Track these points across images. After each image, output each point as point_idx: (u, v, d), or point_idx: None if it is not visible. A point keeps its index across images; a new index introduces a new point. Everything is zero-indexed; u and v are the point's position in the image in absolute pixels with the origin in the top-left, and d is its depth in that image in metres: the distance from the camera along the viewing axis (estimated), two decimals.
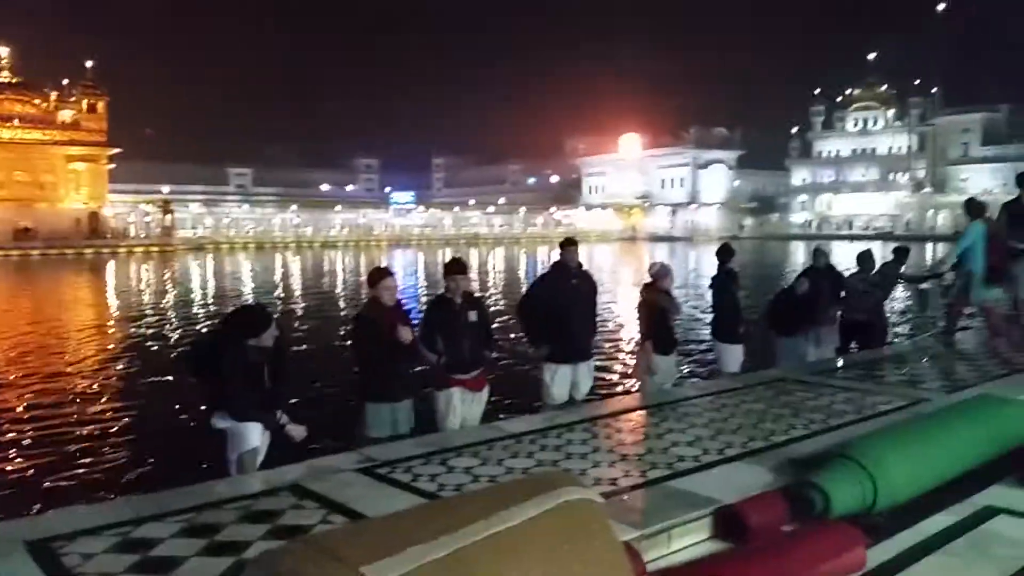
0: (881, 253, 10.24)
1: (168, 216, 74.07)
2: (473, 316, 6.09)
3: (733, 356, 8.36)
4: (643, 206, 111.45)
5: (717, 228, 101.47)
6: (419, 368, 6.06)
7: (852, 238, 79.81)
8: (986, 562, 3.44)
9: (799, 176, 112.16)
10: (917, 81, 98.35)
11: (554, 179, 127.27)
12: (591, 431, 5.19)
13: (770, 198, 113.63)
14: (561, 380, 6.77)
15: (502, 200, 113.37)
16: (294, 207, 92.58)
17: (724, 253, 8.43)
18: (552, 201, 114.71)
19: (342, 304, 24.73)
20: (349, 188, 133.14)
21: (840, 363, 7.99)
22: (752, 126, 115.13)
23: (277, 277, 39.55)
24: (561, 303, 6.73)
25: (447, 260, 6.28)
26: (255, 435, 4.78)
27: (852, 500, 3.83)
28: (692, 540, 3.63)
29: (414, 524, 2.36)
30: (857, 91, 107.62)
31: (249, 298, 26.66)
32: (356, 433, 5.64)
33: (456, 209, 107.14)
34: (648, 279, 7.52)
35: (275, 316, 5.15)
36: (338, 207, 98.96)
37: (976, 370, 7.31)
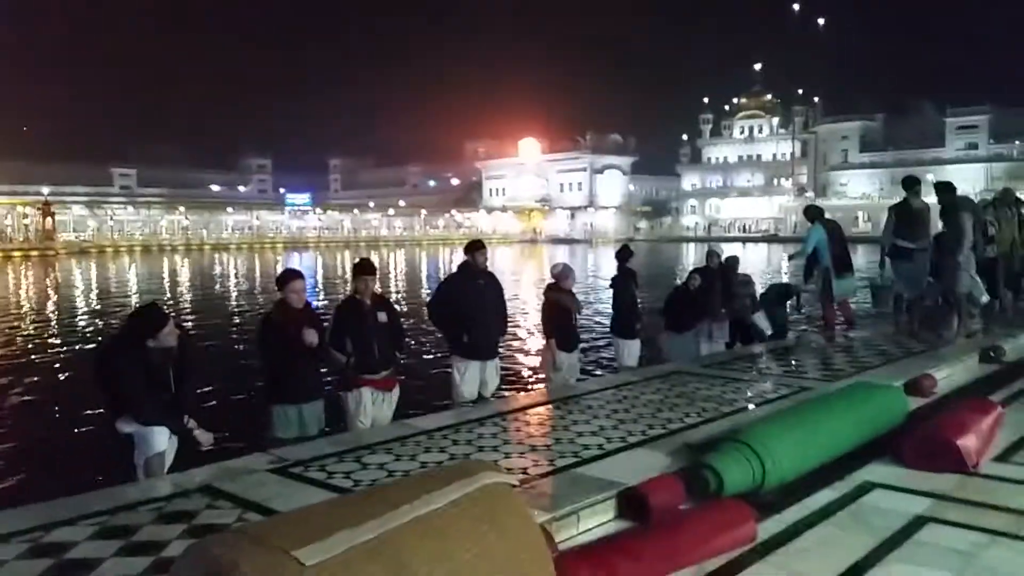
0: (767, 255, 10.97)
1: (48, 219, 70.00)
2: (383, 317, 6.16)
3: (631, 351, 8.74)
4: (543, 209, 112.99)
5: (614, 231, 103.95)
6: (329, 369, 6.09)
7: (742, 240, 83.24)
8: (864, 531, 3.79)
9: (689, 181, 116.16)
10: (800, 91, 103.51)
11: (455, 182, 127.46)
12: (501, 425, 5.37)
13: (663, 202, 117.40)
14: (470, 378, 6.92)
15: (402, 202, 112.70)
16: (182, 208, 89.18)
17: (623, 254, 8.79)
18: (453, 204, 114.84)
19: (235, 308, 24.08)
20: (241, 189, 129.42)
21: (730, 356, 8.45)
22: (645, 133, 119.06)
23: (165, 281, 38.07)
24: (468, 303, 6.89)
25: (356, 261, 6.32)
26: (161, 439, 4.70)
27: (743, 480, 4.15)
28: (599, 521, 3.85)
29: (341, 511, 2.47)
30: (743, 100, 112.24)
31: (136, 302, 25.66)
32: (263, 435, 5.62)
33: (355, 211, 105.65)
34: (551, 280, 7.77)
35: (172, 316, 5.04)
36: (229, 208, 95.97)
37: (853, 361, 7.89)
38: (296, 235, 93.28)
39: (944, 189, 9.42)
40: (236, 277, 41.48)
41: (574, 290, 7.90)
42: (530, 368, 12.09)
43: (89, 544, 3.39)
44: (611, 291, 9.12)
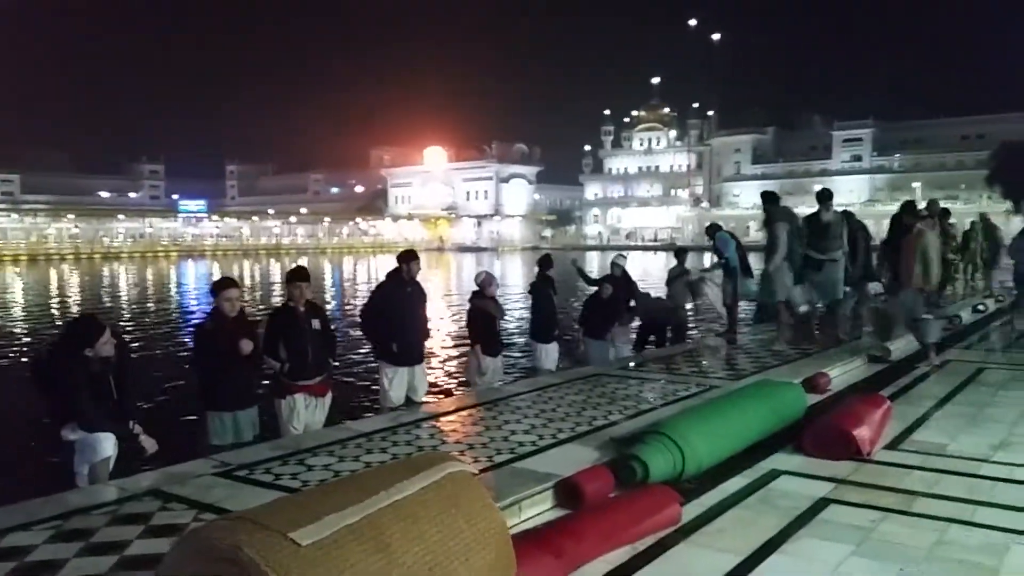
0: (665, 263, 11.60)
1: None
2: (316, 323, 6.30)
3: (549, 355, 9.11)
4: (449, 217, 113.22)
5: (520, 239, 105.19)
6: (263, 376, 6.18)
7: (643, 248, 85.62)
8: (774, 512, 4.23)
9: (591, 191, 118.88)
10: (695, 104, 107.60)
11: (359, 189, 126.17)
12: (436, 426, 5.62)
13: (567, 211, 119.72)
14: (399, 383, 7.14)
15: (304, 209, 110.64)
16: (71, 216, 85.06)
17: (544, 262, 9.15)
18: (357, 211, 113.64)
19: (129, 318, 23.31)
20: (132, 195, 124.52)
21: (642, 359, 8.94)
22: (549, 143, 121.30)
23: (52, 292, 36.34)
24: (398, 311, 7.10)
25: (290, 269, 6.45)
26: (107, 445, 4.75)
27: (666, 468, 4.53)
28: (539, 510, 4.15)
29: (326, 498, 2.70)
30: (642, 113, 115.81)
31: (16, 314, 24.51)
32: (199, 442, 5.69)
33: (254, 218, 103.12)
34: (475, 288, 8.06)
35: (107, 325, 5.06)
36: (121, 216, 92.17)
37: (754, 361, 8.49)
38: (192, 243, 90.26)
39: (767, 199, 9.71)
40: (127, 285, 39.96)
41: (497, 297, 8.21)
42: (452, 374, 12.33)
43: (48, 547, 3.46)
44: (530, 298, 9.47)
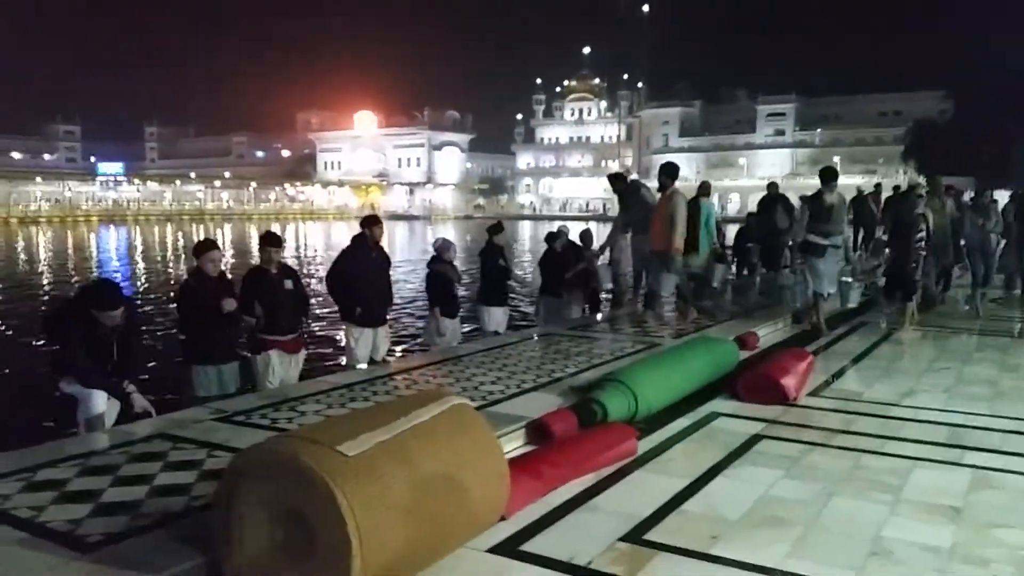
0: (597, 232, 12.05)
1: None
2: (289, 284, 6.67)
3: (495, 318, 9.57)
4: (381, 184, 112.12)
5: (453, 208, 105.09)
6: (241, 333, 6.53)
7: (575, 219, 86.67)
8: (716, 446, 4.88)
9: (523, 160, 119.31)
10: (625, 76, 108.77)
11: (285, 153, 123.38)
12: (410, 378, 6.10)
13: (499, 180, 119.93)
14: (364, 343, 7.56)
15: (227, 174, 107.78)
16: None
17: (494, 229, 9.59)
18: (284, 176, 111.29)
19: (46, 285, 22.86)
20: (47, 157, 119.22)
21: (590, 321, 9.54)
22: (482, 111, 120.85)
23: None
24: (363, 274, 7.50)
25: (263, 233, 6.78)
26: (100, 401, 5.03)
27: (622, 410, 5.14)
28: (514, 446, 4.69)
29: (357, 422, 3.21)
30: (573, 83, 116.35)
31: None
32: (184, 394, 6.03)
33: (177, 183, 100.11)
34: (433, 253, 8.51)
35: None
36: (39, 178, 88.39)
37: (692, 321, 9.19)
38: (112, 208, 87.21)
39: (614, 179, 9.71)
40: (46, 251, 38.79)
41: (455, 262, 8.67)
42: (407, 336, 12.73)
43: (81, 479, 3.84)
44: (478, 262, 9.89)
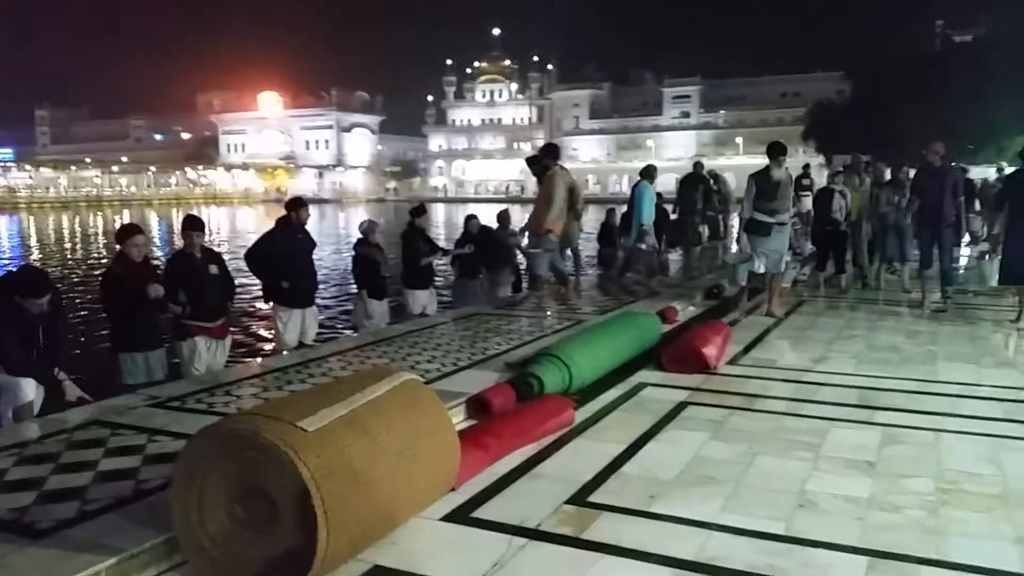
0: (519, 216, 12.20)
1: None
2: (214, 269, 6.57)
3: (418, 300, 9.58)
4: (288, 167, 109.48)
5: (364, 191, 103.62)
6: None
7: (488, 201, 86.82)
8: (646, 413, 5.12)
9: (436, 143, 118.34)
10: (536, 58, 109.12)
11: (186, 136, 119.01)
12: (344, 360, 6.13)
13: (411, 162, 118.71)
14: (293, 325, 7.52)
15: (124, 158, 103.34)
16: None
17: (416, 211, 9.60)
18: (185, 160, 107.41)
19: None
20: None
21: (516, 300, 9.69)
22: (392, 92, 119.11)
23: None
24: (289, 256, 7.44)
25: (184, 217, 6.65)
26: (29, 389, 4.91)
27: (557, 383, 5.33)
28: (456, 421, 4.79)
29: (314, 399, 3.28)
30: (484, 64, 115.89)
31: None
32: (112, 381, 5.89)
33: (72, 168, 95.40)
34: (360, 235, 8.50)
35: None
36: None
37: (612, 299, 9.48)
38: (3, 195, 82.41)
39: (532, 161, 9.39)
40: None
41: (381, 244, 8.68)
42: (335, 318, 12.62)
43: (19, 468, 3.76)
44: (400, 244, 9.87)
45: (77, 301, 15.08)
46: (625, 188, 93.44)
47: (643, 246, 10.81)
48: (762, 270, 8.57)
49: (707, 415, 5.09)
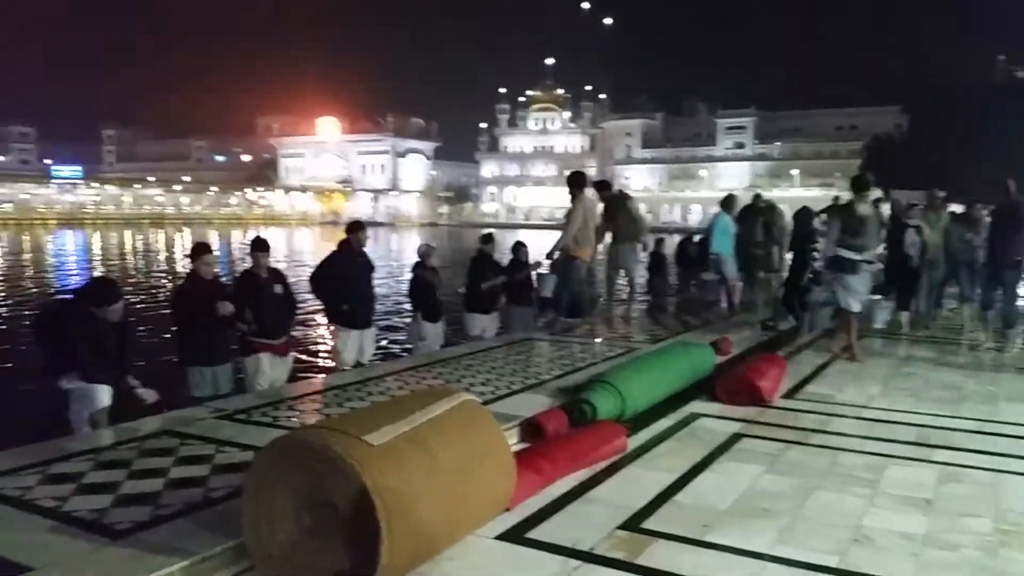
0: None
1: None
2: (279, 288, 6.79)
3: (479, 323, 9.71)
4: (345, 191, 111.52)
5: (417, 215, 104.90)
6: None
7: (539, 227, 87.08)
8: (699, 444, 5.13)
9: (488, 169, 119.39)
10: (588, 87, 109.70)
11: (246, 158, 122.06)
12: (401, 380, 6.27)
13: (464, 188, 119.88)
14: (352, 345, 7.69)
15: (187, 178, 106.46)
16: None
17: (485, 239, 9.70)
18: (245, 181, 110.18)
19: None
20: (0, 159, 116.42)
21: (567, 326, 9.74)
22: (446, 119, 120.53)
23: None
24: (350, 277, 7.64)
25: (253, 239, 6.89)
26: (104, 395, 5.16)
27: (610, 409, 5.37)
28: (510, 444, 4.88)
29: (376, 416, 3.40)
30: (537, 93, 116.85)
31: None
32: (179, 395, 6.11)
33: (137, 186, 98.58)
34: (417, 259, 8.68)
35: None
36: None
37: (663, 328, 9.48)
38: (71, 211, 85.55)
39: (599, 186, 9.91)
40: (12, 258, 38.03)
41: (438, 268, 8.84)
42: (386, 340, 12.80)
43: (97, 473, 3.95)
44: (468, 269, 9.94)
45: (142, 315, 15.57)
46: (677, 217, 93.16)
47: (707, 277, 10.85)
48: (858, 308, 8.16)
49: (762, 448, 5.08)
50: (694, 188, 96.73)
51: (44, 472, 3.92)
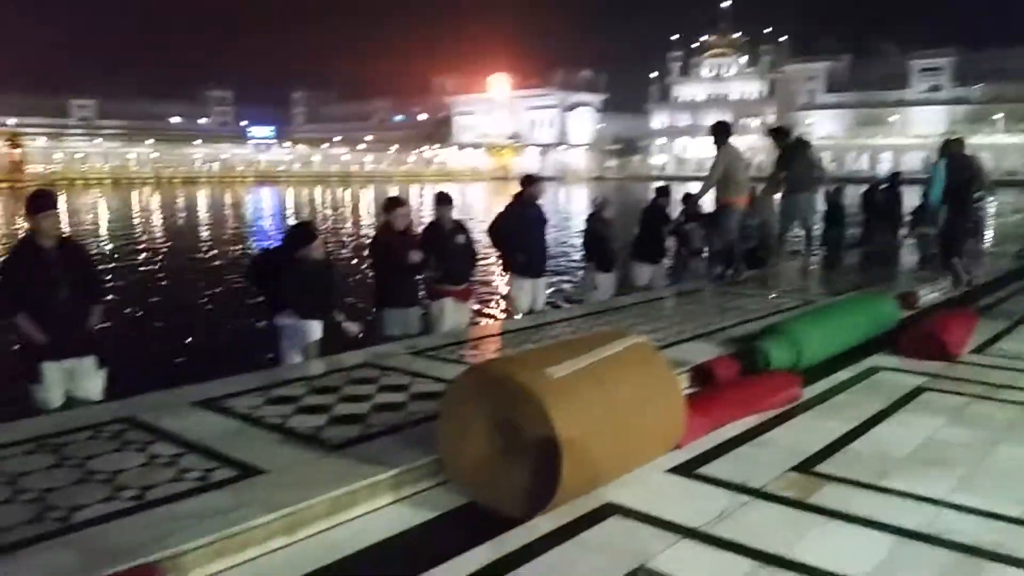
0: None
1: (18, 150, 68.56)
2: (461, 239, 7.23)
3: (645, 273, 9.82)
4: (514, 146, 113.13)
5: (585, 169, 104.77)
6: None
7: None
8: (878, 396, 5.05)
9: (658, 120, 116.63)
10: (767, 30, 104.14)
11: (422, 117, 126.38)
12: (575, 325, 6.55)
13: (632, 140, 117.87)
14: (526, 293, 8.06)
15: (369, 137, 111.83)
16: (150, 141, 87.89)
17: (661, 191, 9.77)
18: (422, 139, 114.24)
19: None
20: (202, 121, 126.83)
21: (735, 278, 9.62)
22: (615, 70, 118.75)
23: (169, 218, 38.36)
24: (524, 229, 7.97)
25: (437, 193, 7.35)
26: (317, 329, 5.81)
27: (784, 359, 5.38)
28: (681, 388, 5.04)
29: (554, 353, 3.65)
30: (711, 38, 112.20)
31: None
32: (375, 333, 6.73)
33: (325, 146, 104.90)
34: (593, 210, 8.89)
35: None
36: (197, 141, 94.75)
37: (846, 281, 9.16)
38: (266, 169, 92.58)
39: (776, 133, 9.68)
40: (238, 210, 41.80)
41: (611, 219, 9.01)
42: (556, 290, 13.19)
43: (312, 397, 4.51)
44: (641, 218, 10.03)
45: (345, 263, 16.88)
46: (865, 166, 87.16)
47: (925, 230, 10.30)
48: None
49: (945, 401, 4.93)
50: (884, 135, 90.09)
51: (268, 395, 4.52)
